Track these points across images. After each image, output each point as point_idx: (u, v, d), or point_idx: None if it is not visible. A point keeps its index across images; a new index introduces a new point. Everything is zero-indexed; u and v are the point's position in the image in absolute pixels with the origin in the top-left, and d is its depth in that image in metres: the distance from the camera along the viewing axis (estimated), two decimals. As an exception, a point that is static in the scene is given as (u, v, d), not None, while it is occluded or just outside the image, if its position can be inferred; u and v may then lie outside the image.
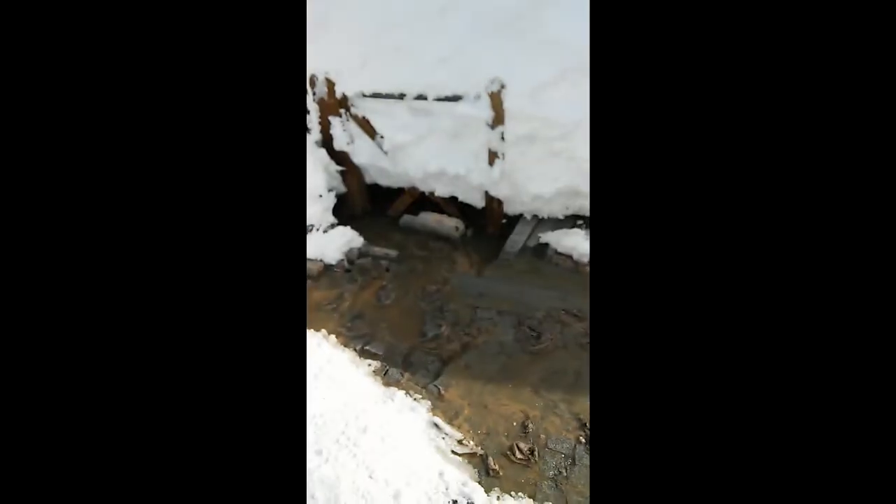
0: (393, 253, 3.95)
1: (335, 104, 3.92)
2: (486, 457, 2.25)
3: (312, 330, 3.11)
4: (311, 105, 3.99)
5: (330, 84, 3.85)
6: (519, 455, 2.25)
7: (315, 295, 3.56)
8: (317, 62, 3.88)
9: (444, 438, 2.34)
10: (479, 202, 4.08)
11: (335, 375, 2.66)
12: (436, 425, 2.41)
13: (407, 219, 4.34)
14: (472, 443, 2.32)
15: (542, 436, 2.36)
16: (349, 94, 3.88)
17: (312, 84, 3.89)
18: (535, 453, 2.26)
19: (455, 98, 3.66)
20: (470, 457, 2.26)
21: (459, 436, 2.35)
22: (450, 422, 2.45)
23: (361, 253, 3.96)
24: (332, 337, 3.09)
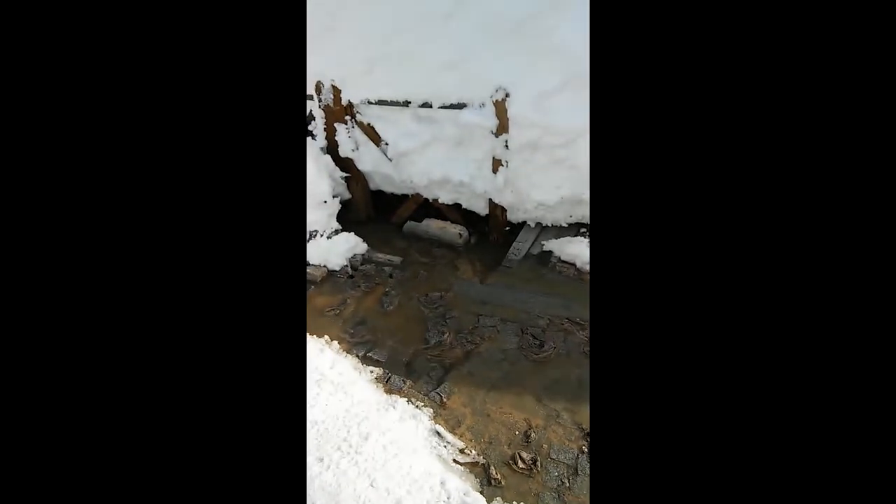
0: (396, 259, 3.95)
1: (341, 111, 3.95)
2: (488, 466, 2.24)
3: (315, 336, 3.11)
4: (317, 111, 4.01)
5: (336, 91, 3.88)
6: (521, 465, 2.24)
7: (318, 300, 3.56)
8: (323, 69, 3.91)
9: (446, 447, 2.33)
10: (482, 209, 4.09)
11: (337, 382, 2.66)
12: (438, 433, 2.40)
13: (410, 225, 4.35)
14: (474, 452, 2.31)
15: (545, 445, 2.34)
16: (355, 100, 3.90)
17: (318, 90, 3.91)
18: (538, 463, 2.24)
19: (459, 106, 3.68)
20: (472, 466, 2.25)
21: (461, 444, 2.34)
22: (452, 430, 2.44)
23: (365, 259, 3.97)
24: (335, 343, 3.09)
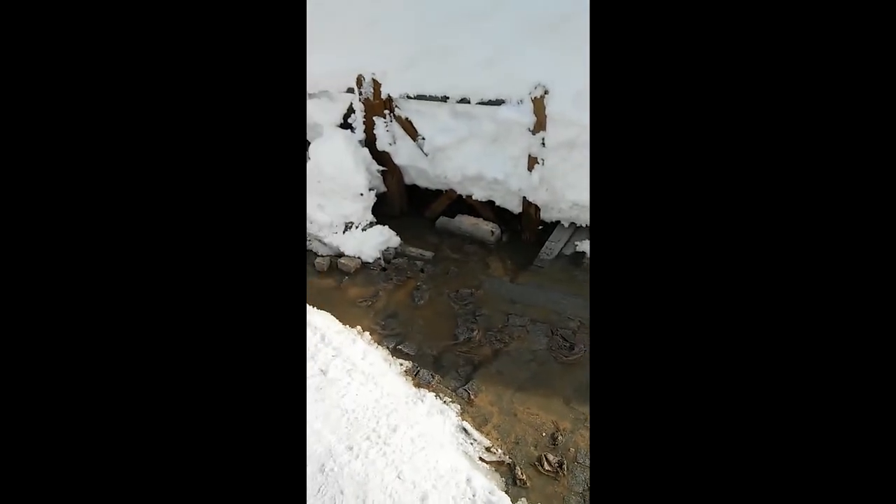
0: (428, 254, 3.98)
1: (380, 105, 3.99)
2: (514, 466, 2.25)
3: (348, 326, 3.18)
4: (357, 105, 4.06)
5: (376, 84, 3.91)
6: (547, 467, 2.24)
7: (352, 291, 3.64)
8: (364, 62, 3.96)
9: (472, 444, 2.35)
10: (516, 207, 4.07)
11: (368, 372, 2.72)
12: (465, 430, 2.43)
13: (443, 221, 4.37)
14: (500, 451, 2.32)
15: (572, 449, 2.33)
16: (394, 95, 3.93)
17: (359, 84, 3.96)
18: (564, 466, 2.24)
19: (498, 102, 3.66)
20: (497, 465, 2.26)
21: (488, 443, 2.36)
22: (479, 428, 2.46)
23: (398, 252, 4.01)
24: (367, 334, 3.15)
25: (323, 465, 2.13)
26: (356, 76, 3.96)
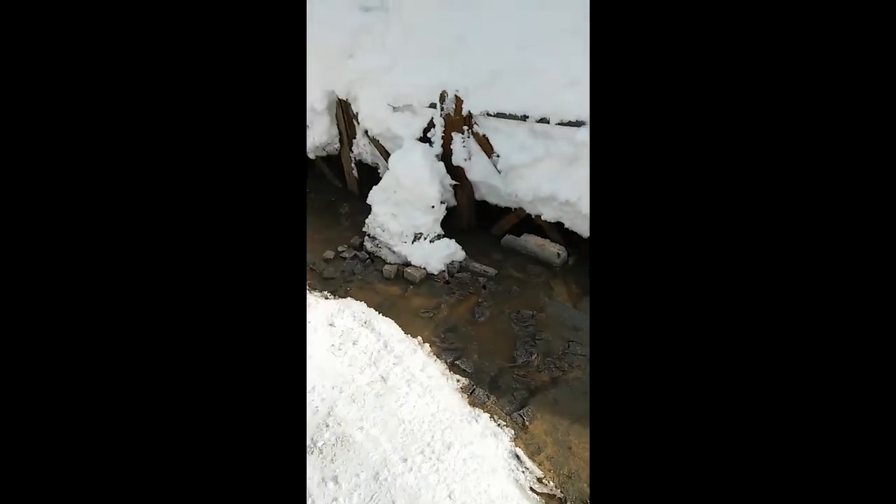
0: (492, 271, 4.00)
1: (460, 121, 4.06)
2: (566, 501, 2.22)
3: (409, 335, 3.27)
4: (438, 120, 4.17)
5: (458, 101, 4.00)
6: (600, 509, 2.18)
7: (415, 301, 3.73)
8: (449, 78, 4.05)
9: (524, 472, 2.34)
10: (585, 231, 3.98)
11: (426, 385, 2.78)
12: (517, 457, 2.42)
13: (509, 239, 4.37)
14: (551, 483, 2.30)
15: (627, 494, 2.26)
16: (475, 111, 3.99)
17: (442, 100, 4.07)
18: (618, 511, 2.18)
19: (577, 123, 3.62)
20: (548, 498, 2.24)
21: (540, 473, 2.34)
22: (531, 456, 2.44)
23: (462, 267, 4.07)
24: (427, 345, 3.22)
25: (377, 474, 2.21)
26: (440, 92, 4.07)
